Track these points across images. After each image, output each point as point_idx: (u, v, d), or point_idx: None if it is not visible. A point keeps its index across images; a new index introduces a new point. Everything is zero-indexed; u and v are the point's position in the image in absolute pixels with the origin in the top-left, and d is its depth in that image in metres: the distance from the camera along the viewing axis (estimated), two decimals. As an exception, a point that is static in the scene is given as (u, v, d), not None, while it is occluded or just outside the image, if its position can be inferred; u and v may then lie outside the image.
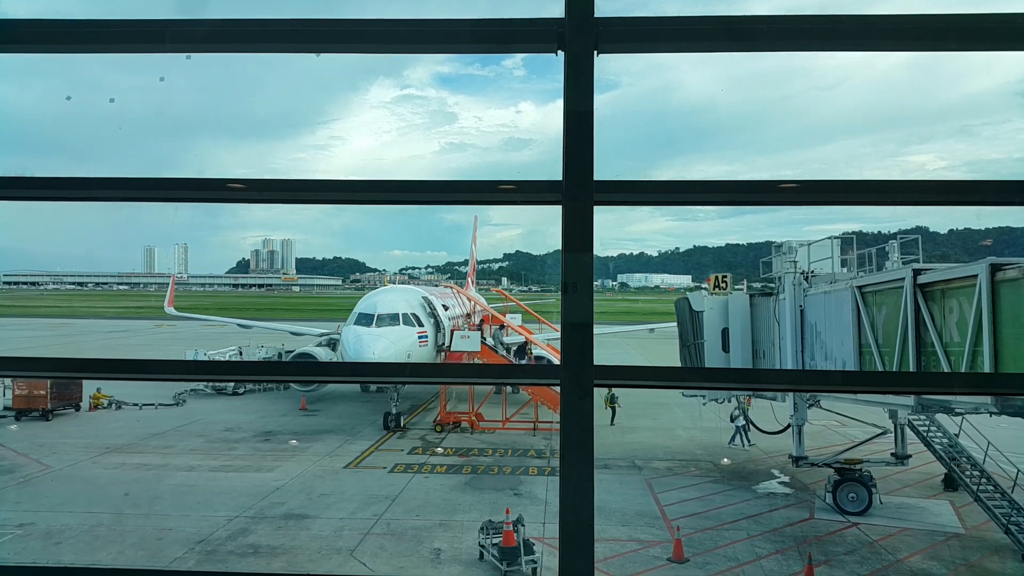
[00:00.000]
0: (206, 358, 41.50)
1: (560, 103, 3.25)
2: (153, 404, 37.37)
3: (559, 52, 3.28)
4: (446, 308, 38.86)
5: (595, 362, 3.19)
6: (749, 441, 29.42)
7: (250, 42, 3.56)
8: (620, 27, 3.36)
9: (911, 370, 17.88)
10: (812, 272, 24.63)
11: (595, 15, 3.26)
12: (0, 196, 3.63)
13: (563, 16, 3.28)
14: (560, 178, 3.24)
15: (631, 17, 3.44)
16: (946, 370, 17.03)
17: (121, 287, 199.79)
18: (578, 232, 3.20)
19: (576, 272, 3.19)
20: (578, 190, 3.22)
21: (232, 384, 41.19)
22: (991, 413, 18.15)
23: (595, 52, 3.26)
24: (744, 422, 29.13)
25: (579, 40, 3.23)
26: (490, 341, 36.36)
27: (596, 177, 3.25)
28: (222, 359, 42.58)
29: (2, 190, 3.57)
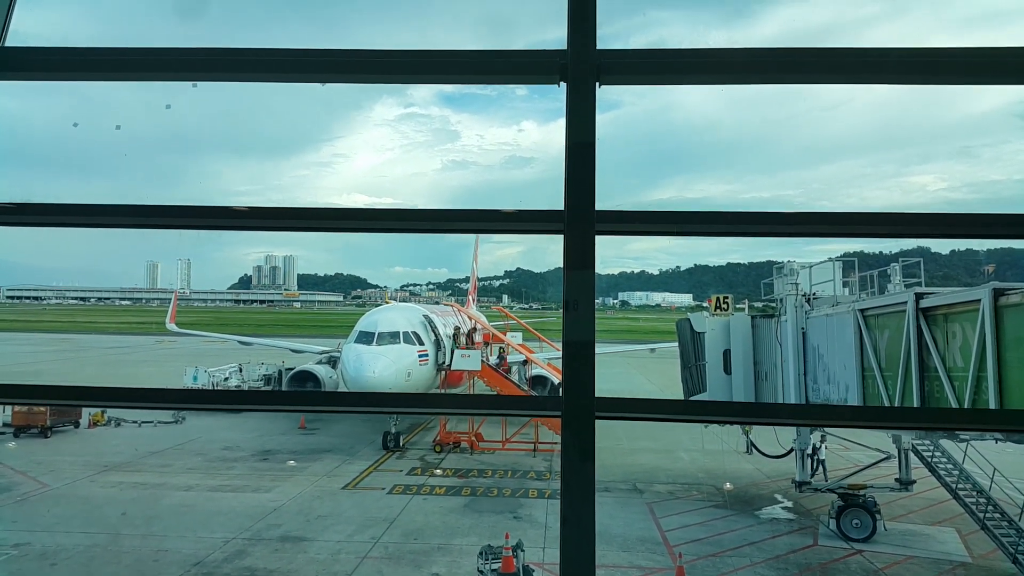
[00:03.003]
0: (206, 375, 41.48)
1: (562, 122, 3.27)
2: (152, 422, 37.24)
3: (561, 83, 3.31)
4: (448, 328, 38.81)
5: (596, 384, 3.17)
6: (817, 469, 24.90)
7: (256, 71, 3.60)
8: (621, 59, 3.39)
9: (915, 395, 17.82)
10: (814, 294, 24.58)
11: (597, 47, 3.29)
12: (8, 222, 3.65)
13: (565, 48, 3.31)
14: (562, 202, 3.26)
15: (632, 49, 3.47)
16: (949, 395, 16.95)
17: (123, 302, 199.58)
18: (579, 256, 3.21)
19: (578, 290, 3.19)
20: (580, 220, 3.23)
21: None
22: (996, 439, 18.03)
23: (597, 84, 3.29)
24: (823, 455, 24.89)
25: (581, 72, 3.25)
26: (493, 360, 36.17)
27: (598, 199, 3.26)
28: (223, 376, 42.59)
29: (10, 216, 3.59)
